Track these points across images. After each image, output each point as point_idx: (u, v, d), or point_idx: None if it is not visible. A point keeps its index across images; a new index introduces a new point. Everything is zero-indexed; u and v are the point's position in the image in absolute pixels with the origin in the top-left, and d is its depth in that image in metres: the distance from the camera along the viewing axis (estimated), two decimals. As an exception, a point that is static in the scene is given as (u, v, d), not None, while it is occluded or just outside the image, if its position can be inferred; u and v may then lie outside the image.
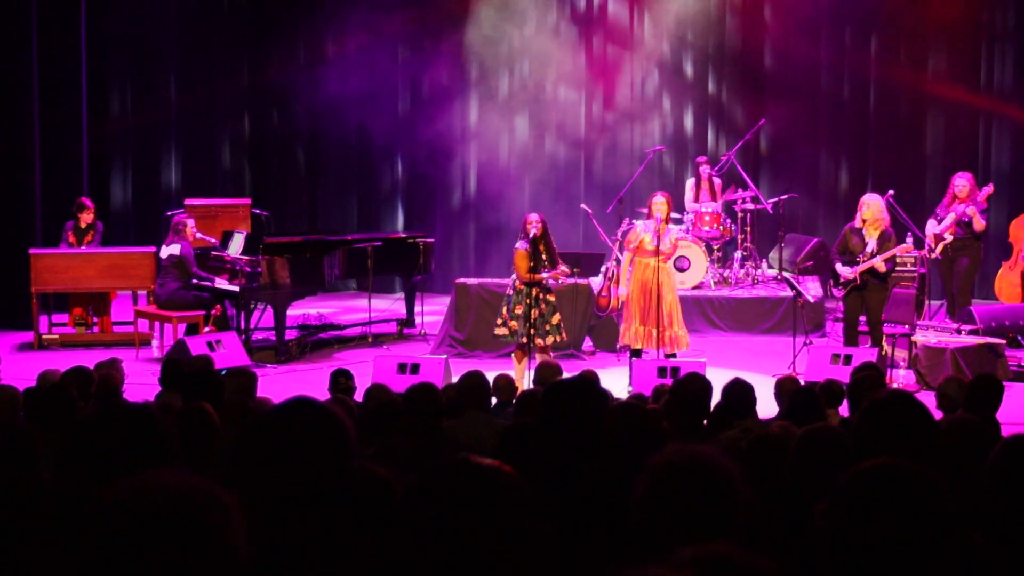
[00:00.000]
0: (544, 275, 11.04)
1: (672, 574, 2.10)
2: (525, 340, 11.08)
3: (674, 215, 12.43)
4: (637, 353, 11.49)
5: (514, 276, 11.20)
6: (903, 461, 2.68)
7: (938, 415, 6.88)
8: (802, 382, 9.58)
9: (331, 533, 2.75)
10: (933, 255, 13.18)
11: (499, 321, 11.32)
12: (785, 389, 7.80)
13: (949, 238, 13.01)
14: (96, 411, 2.99)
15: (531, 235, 10.99)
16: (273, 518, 2.75)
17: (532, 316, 11.02)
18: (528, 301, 11.05)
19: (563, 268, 11.27)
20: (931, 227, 13.21)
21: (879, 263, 11.47)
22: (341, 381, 8.47)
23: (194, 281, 12.86)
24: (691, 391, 5.60)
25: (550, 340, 11.18)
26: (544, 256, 11.08)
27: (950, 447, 4.62)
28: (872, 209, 11.64)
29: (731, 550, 2.16)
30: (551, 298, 11.23)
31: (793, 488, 4.13)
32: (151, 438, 2.87)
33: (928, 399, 9.50)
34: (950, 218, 13.07)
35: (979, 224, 13.06)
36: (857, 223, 11.72)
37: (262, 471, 2.82)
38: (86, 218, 13.78)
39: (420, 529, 2.47)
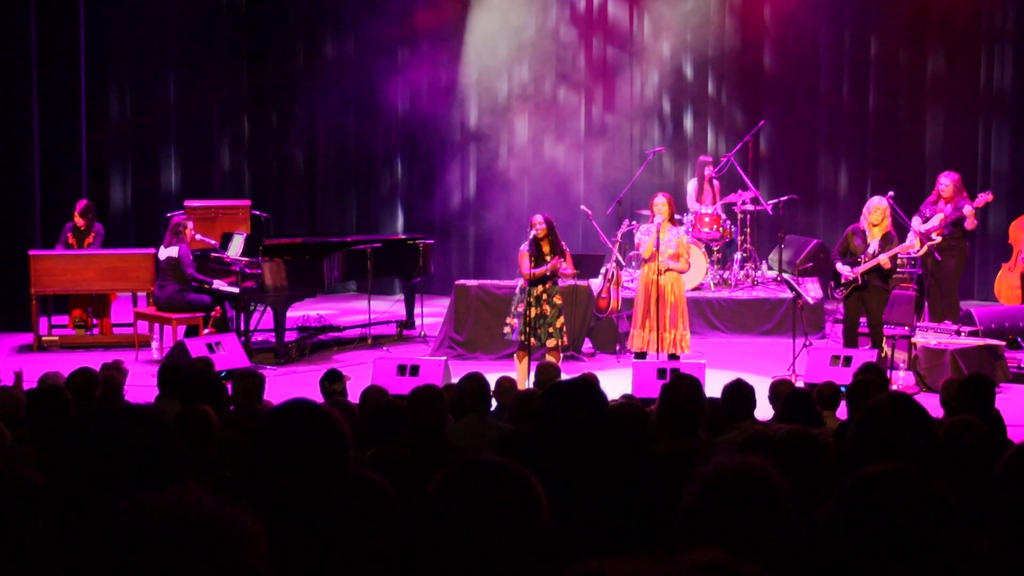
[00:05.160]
0: (544, 268, 11.03)
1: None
2: (522, 338, 11.09)
3: (676, 216, 12.35)
4: (642, 356, 11.47)
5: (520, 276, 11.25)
6: (906, 467, 2.68)
7: (940, 415, 6.90)
8: (800, 384, 9.60)
9: (329, 537, 2.74)
10: (919, 253, 13.12)
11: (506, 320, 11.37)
12: (780, 392, 7.79)
13: (937, 239, 12.95)
14: (96, 414, 2.94)
15: (532, 235, 11.02)
16: (271, 521, 2.75)
17: (530, 315, 11.03)
18: (529, 300, 11.06)
19: (568, 269, 11.26)
20: (916, 224, 13.14)
21: (885, 259, 11.44)
22: (331, 387, 8.45)
23: (193, 284, 12.83)
24: (681, 393, 5.59)
25: (551, 343, 11.15)
26: (548, 256, 11.08)
27: (953, 448, 4.62)
28: (879, 213, 11.62)
29: (724, 556, 2.16)
30: (557, 300, 11.20)
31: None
32: (158, 444, 2.83)
33: (929, 400, 9.51)
34: (937, 218, 13.02)
35: (972, 223, 13.04)
36: (863, 225, 11.68)
37: (260, 474, 2.81)
38: (79, 220, 13.77)
39: (444, 529, 2.48)
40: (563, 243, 11.30)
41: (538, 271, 11.06)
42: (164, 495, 1.89)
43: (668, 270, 11.36)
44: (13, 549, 2.70)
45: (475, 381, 7.10)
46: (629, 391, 9.99)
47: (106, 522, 1.86)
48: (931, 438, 3.69)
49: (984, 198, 13.19)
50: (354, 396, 8.48)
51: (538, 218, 11.20)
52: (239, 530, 1.90)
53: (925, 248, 12.85)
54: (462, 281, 13.90)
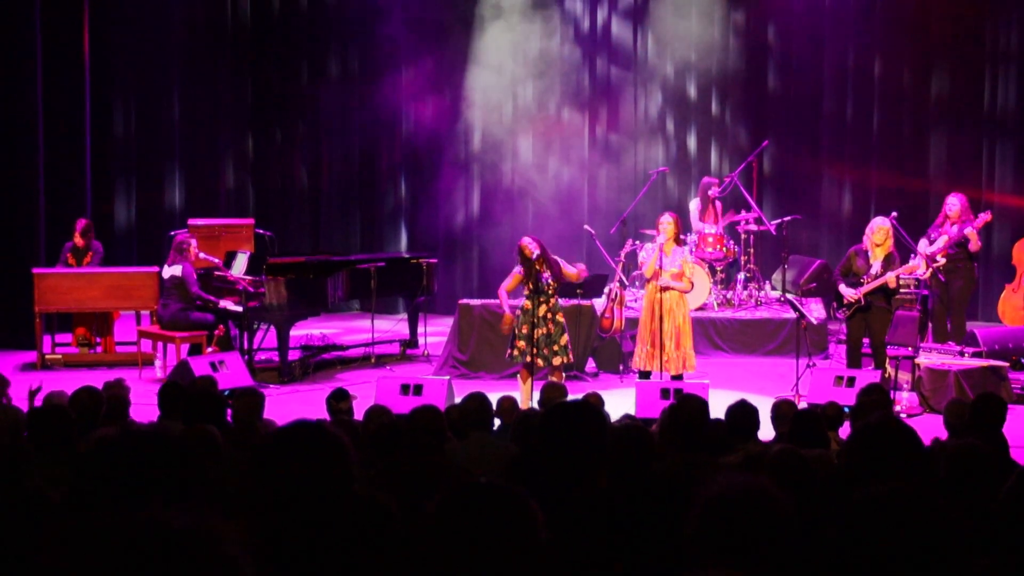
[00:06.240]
0: (508, 310, 11.07)
1: None
2: (529, 359, 11.04)
3: (680, 236, 12.31)
4: (646, 375, 11.45)
5: (523, 297, 11.20)
6: (910, 487, 2.68)
7: (944, 436, 6.89)
8: (803, 404, 9.59)
9: (332, 557, 2.74)
10: (925, 275, 13.12)
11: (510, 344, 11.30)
12: (783, 413, 7.79)
13: (942, 260, 12.94)
14: (112, 434, 2.95)
15: (536, 255, 10.93)
16: (275, 541, 2.75)
17: (536, 335, 11.00)
18: (534, 320, 11.02)
19: (576, 268, 11.24)
20: (923, 247, 13.13)
21: (891, 278, 11.43)
22: (338, 405, 8.44)
23: (197, 303, 12.84)
24: (686, 412, 5.59)
25: (557, 361, 11.11)
26: (545, 273, 11.03)
27: (958, 471, 4.62)
28: (882, 233, 11.61)
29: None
30: (560, 319, 11.16)
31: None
32: (167, 463, 2.84)
33: (933, 421, 9.49)
34: (943, 240, 13.02)
35: (976, 244, 13.04)
36: (866, 246, 11.67)
37: (265, 494, 2.81)
38: (79, 240, 13.80)
39: (439, 552, 2.48)
40: (552, 256, 11.20)
41: (508, 305, 11.08)
42: (148, 512, 1.90)
43: (669, 289, 11.35)
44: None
45: (477, 400, 7.10)
46: (632, 411, 9.97)
47: (91, 540, 1.87)
48: (920, 459, 3.70)
49: (984, 218, 13.19)
50: (358, 415, 8.48)
51: (527, 240, 11.09)
52: (221, 543, 1.89)
53: (930, 271, 12.85)
54: (466, 300, 13.89)
